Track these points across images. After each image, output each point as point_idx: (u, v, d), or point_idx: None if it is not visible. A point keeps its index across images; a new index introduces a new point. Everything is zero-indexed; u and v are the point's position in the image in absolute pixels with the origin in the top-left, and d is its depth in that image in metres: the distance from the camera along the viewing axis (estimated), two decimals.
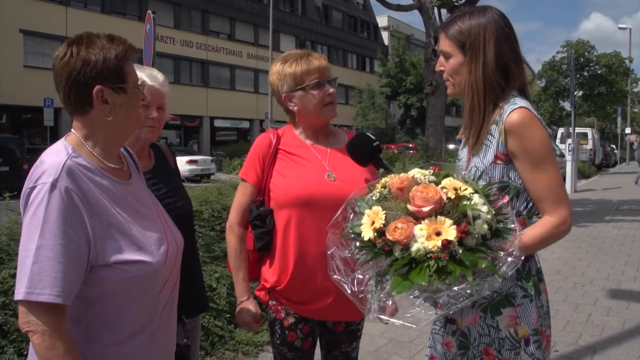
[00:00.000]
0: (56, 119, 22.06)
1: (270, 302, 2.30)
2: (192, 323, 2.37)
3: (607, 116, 49.99)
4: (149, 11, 6.85)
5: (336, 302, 2.19)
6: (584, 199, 15.91)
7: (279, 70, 2.28)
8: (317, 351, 2.43)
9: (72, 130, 1.61)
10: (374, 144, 2.12)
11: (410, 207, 1.53)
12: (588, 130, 34.77)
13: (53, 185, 1.44)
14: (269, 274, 2.29)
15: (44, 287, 1.39)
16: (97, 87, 1.53)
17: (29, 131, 27.77)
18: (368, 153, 2.12)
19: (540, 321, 1.87)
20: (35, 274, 1.39)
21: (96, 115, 1.57)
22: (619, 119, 42.77)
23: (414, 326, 1.60)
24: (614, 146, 47.99)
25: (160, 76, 2.27)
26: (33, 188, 1.46)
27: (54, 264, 1.40)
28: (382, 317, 1.64)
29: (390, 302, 1.59)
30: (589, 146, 32.86)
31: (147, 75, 2.21)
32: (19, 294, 1.40)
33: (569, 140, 18.66)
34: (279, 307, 2.28)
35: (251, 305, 2.30)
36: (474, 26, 1.88)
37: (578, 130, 25.58)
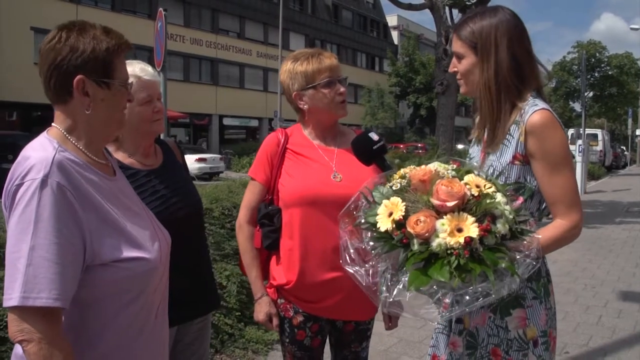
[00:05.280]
0: None
1: (279, 301, 2.30)
2: (203, 321, 2.37)
3: (617, 117, 49.79)
4: (161, 9, 6.82)
5: (345, 301, 2.19)
6: (594, 201, 15.82)
7: (290, 68, 2.28)
8: (327, 350, 2.43)
9: (53, 124, 1.52)
10: (374, 146, 2.07)
11: (433, 201, 1.50)
12: (598, 132, 34.57)
13: (44, 182, 1.34)
14: (277, 272, 2.29)
15: (41, 291, 1.29)
16: (79, 76, 1.44)
17: (39, 128, 27.36)
18: (368, 153, 2.10)
19: (548, 323, 1.88)
20: (31, 276, 1.29)
21: (76, 107, 1.48)
22: (630, 121, 42.50)
23: (433, 322, 1.58)
24: (624, 148, 47.69)
25: (149, 67, 2.20)
26: (20, 185, 1.36)
27: (50, 265, 1.30)
28: (396, 310, 1.62)
29: (408, 296, 1.55)
30: (599, 147, 32.67)
31: (139, 69, 2.14)
32: (12, 299, 1.29)
33: (579, 142, 18.54)
34: (288, 306, 2.28)
35: (264, 304, 2.30)
36: (485, 26, 1.88)
37: (588, 131, 25.42)
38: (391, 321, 2.38)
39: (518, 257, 1.54)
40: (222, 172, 25.50)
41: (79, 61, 1.44)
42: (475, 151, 2.06)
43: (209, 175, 23.53)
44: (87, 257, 1.40)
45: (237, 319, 4.36)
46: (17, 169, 1.40)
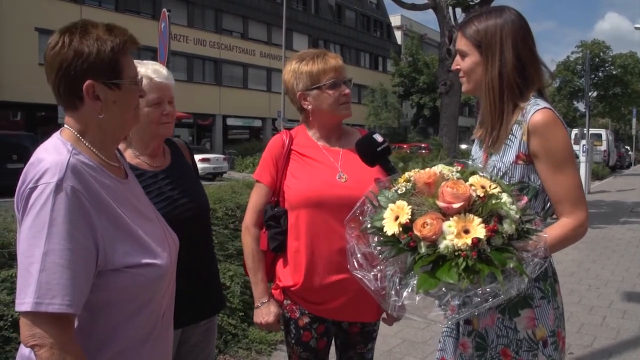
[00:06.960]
0: None
1: (285, 302, 2.30)
2: (208, 323, 2.37)
3: (621, 117, 49.66)
4: (164, 9, 6.86)
5: (351, 303, 2.18)
6: (598, 201, 15.78)
7: (295, 68, 2.28)
8: (332, 351, 2.42)
9: (65, 125, 1.49)
10: (378, 148, 2.08)
11: (439, 203, 1.50)
12: (602, 132, 34.41)
13: (58, 186, 1.32)
14: (283, 274, 2.29)
15: (54, 297, 1.28)
16: (88, 81, 1.41)
17: (44, 129, 27.89)
18: (372, 155, 2.10)
19: (556, 322, 1.88)
20: (44, 282, 1.28)
21: (87, 112, 1.45)
22: (634, 120, 42.31)
23: (442, 325, 1.58)
24: (629, 147, 47.52)
25: (163, 70, 2.21)
26: (34, 189, 1.33)
27: (63, 271, 1.29)
28: (402, 313, 1.62)
29: (417, 299, 1.55)
30: (603, 147, 32.51)
31: (152, 71, 2.14)
32: (25, 304, 1.28)
33: (583, 142, 18.50)
34: (294, 307, 2.28)
35: (273, 306, 2.29)
36: (490, 26, 1.89)
37: (592, 131, 25.28)
38: (389, 318, 2.36)
39: (526, 256, 1.54)
40: (225, 172, 25.54)
41: (86, 65, 1.41)
42: (477, 152, 2.06)
43: (212, 176, 23.59)
44: (99, 262, 1.38)
45: (240, 319, 4.36)
46: (30, 171, 1.38)
